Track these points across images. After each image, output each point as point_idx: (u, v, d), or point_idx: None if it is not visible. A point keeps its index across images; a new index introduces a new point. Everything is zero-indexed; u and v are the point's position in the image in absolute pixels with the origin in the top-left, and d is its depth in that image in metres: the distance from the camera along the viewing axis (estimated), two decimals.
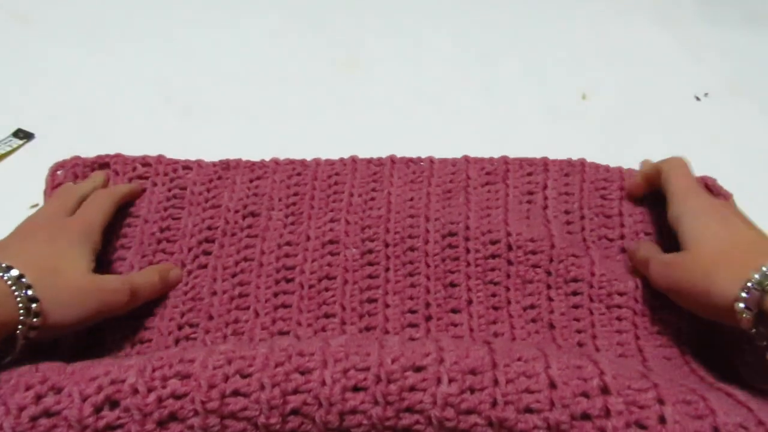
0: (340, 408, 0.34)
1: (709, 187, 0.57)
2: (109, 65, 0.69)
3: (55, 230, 0.48)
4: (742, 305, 0.40)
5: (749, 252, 0.43)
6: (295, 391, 0.34)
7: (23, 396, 0.35)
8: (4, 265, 0.41)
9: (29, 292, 0.41)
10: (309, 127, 0.64)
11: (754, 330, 0.41)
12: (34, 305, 0.41)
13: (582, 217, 0.56)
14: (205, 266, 0.52)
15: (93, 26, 0.72)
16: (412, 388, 0.34)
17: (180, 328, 0.49)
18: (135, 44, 0.71)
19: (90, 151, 0.59)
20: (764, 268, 0.40)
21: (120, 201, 0.55)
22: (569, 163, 0.59)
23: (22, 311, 0.40)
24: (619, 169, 0.59)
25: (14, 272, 0.41)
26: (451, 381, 0.35)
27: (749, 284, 0.40)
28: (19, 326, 0.40)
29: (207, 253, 0.53)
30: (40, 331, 0.41)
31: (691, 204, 0.49)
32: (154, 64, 0.69)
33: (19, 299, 0.40)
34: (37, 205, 0.57)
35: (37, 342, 0.42)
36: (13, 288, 0.40)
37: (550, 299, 0.51)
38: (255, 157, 0.59)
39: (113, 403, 0.35)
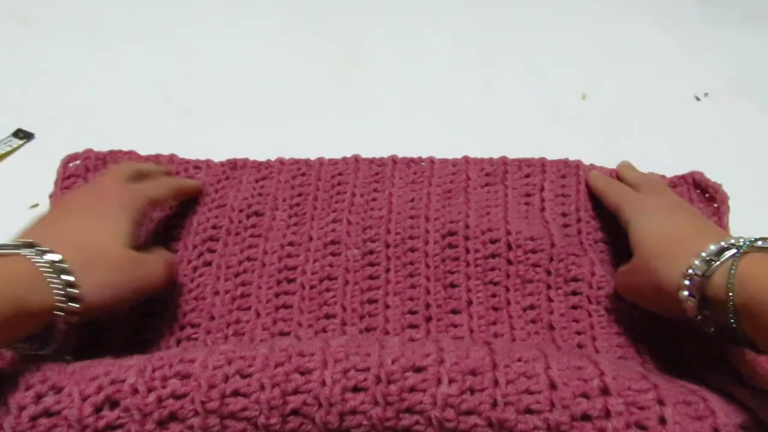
0: (340, 408, 0.34)
1: (697, 181, 0.58)
2: (109, 65, 0.69)
3: (101, 195, 0.46)
4: (685, 293, 0.41)
5: (689, 241, 0.43)
6: (295, 392, 0.34)
7: (23, 395, 0.35)
8: (40, 248, 0.39)
9: (66, 277, 0.39)
10: (309, 127, 0.64)
11: (699, 317, 0.41)
12: (71, 290, 0.39)
13: (578, 220, 0.56)
14: (209, 264, 0.53)
15: (93, 26, 0.72)
16: (412, 389, 0.34)
17: (182, 328, 0.49)
18: (135, 44, 0.71)
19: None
20: (704, 254, 0.41)
21: (183, 191, 0.55)
22: (566, 164, 0.59)
23: (58, 297, 0.38)
24: (615, 172, 0.59)
25: (51, 256, 0.39)
26: (451, 382, 0.35)
27: (690, 271, 0.41)
28: (57, 312, 0.38)
29: (212, 251, 0.54)
30: (81, 316, 0.40)
31: (632, 209, 0.51)
32: (154, 64, 0.69)
33: (54, 285, 0.38)
34: (37, 205, 0.57)
35: (80, 328, 0.41)
36: (47, 274, 0.38)
37: (550, 300, 0.51)
38: (254, 157, 0.60)
39: (113, 403, 0.35)
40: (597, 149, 0.60)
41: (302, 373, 0.35)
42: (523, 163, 0.59)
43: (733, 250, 0.40)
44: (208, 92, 0.67)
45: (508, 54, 0.71)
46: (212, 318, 0.50)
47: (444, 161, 0.59)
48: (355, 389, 0.34)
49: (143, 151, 0.60)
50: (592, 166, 0.59)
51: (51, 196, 0.57)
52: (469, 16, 0.75)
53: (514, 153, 0.60)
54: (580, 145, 0.61)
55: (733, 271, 0.38)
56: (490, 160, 0.59)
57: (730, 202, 0.56)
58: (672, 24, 0.74)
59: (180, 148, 0.60)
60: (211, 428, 0.34)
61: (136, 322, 0.49)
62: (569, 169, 0.59)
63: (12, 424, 0.34)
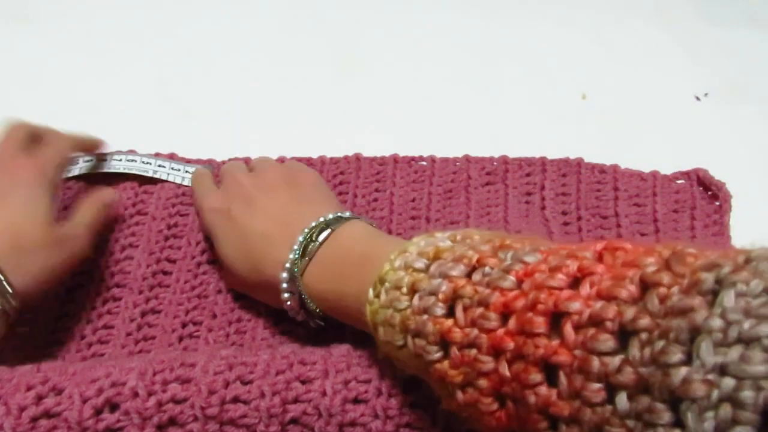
0: (339, 419, 0.34)
1: (701, 178, 0.58)
2: (109, 65, 0.69)
3: (7, 175, 0.45)
4: (293, 312, 0.44)
5: (265, 264, 0.44)
6: (296, 400, 0.34)
7: (24, 396, 0.35)
8: None
9: None
10: (309, 127, 0.64)
11: (300, 316, 0.44)
12: (5, 285, 0.39)
13: (579, 218, 0.56)
14: (213, 261, 0.53)
15: (93, 26, 0.72)
16: (413, 405, 0.35)
17: (184, 325, 0.50)
18: (135, 44, 0.71)
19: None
20: (282, 286, 0.43)
21: (78, 145, 0.54)
22: (566, 162, 0.59)
23: None
24: (614, 168, 0.59)
25: None
26: None
27: (284, 297, 0.43)
28: None
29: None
30: (15, 307, 0.40)
31: (207, 219, 0.50)
32: (154, 64, 0.69)
33: None
34: None
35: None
36: None
37: None
38: (255, 157, 0.60)
39: (113, 406, 0.35)
40: (597, 149, 0.60)
41: (303, 382, 0.35)
42: (523, 162, 0.59)
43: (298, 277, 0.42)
44: (208, 92, 0.67)
45: (508, 54, 0.71)
46: (214, 316, 0.50)
47: (445, 160, 0.60)
48: (356, 401, 0.35)
49: (143, 151, 0.60)
50: (593, 165, 0.59)
51: None
52: (469, 16, 0.74)
53: (513, 153, 0.60)
54: (580, 145, 0.60)
55: (306, 296, 0.42)
56: (491, 158, 0.60)
57: (731, 203, 0.56)
58: (672, 24, 0.73)
59: (180, 148, 0.60)
60: None
61: (139, 319, 0.49)
62: (570, 167, 0.59)
63: (12, 424, 0.34)
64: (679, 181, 0.59)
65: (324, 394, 0.34)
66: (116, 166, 0.57)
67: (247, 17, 0.74)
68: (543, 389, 0.26)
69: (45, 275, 0.42)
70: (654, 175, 0.59)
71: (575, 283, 0.27)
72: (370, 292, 0.35)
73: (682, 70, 0.70)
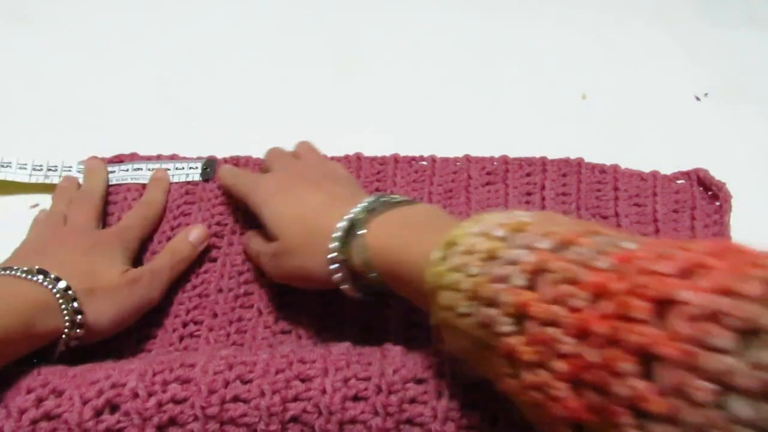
0: (339, 417, 0.34)
1: (701, 178, 0.58)
2: (109, 65, 0.69)
3: (91, 242, 0.48)
4: (338, 276, 0.42)
5: (322, 222, 0.43)
6: (295, 399, 0.34)
7: (24, 399, 0.35)
8: (53, 276, 0.41)
9: (75, 305, 0.41)
10: (309, 127, 0.63)
11: (359, 295, 0.43)
12: (78, 317, 0.41)
13: (579, 218, 0.56)
14: (214, 260, 0.53)
15: (93, 26, 0.72)
16: (413, 401, 0.35)
17: (184, 325, 0.50)
18: (135, 44, 0.71)
19: (89, 151, 0.59)
20: (335, 236, 0.41)
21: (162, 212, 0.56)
22: (567, 162, 0.59)
23: (67, 323, 0.40)
24: (614, 168, 0.59)
25: (62, 284, 0.41)
26: (452, 396, 0.35)
27: (332, 256, 0.41)
28: (63, 336, 0.41)
29: (216, 247, 0.54)
30: (80, 339, 0.42)
31: (257, 196, 0.50)
32: (154, 64, 0.69)
33: (65, 312, 0.41)
34: (37, 205, 0.57)
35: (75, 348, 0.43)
36: (61, 301, 0.41)
37: None
38: (255, 157, 0.60)
39: (113, 407, 0.35)
40: (597, 149, 0.60)
41: (303, 381, 0.35)
42: (524, 162, 0.59)
43: (357, 227, 0.40)
44: (208, 92, 0.67)
45: (508, 54, 0.71)
46: (215, 315, 0.50)
47: (445, 160, 0.60)
48: (356, 398, 0.35)
49: (144, 152, 0.60)
50: (593, 165, 0.59)
51: (53, 197, 0.57)
52: (469, 15, 0.74)
53: (513, 153, 0.60)
54: (580, 144, 0.60)
55: (362, 246, 0.40)
56: (491, 158, 0.59)
57: (731, 203, 0.56)
58: (672, 24, 0.73)
59: (181, 148, 0.60)
60: None
61: (139, 319, 0.49)
62: (570, 167, 0.59)
63: (12, 427, 0.34)
64: (679, 181, 0.59)
65: (324, 392, 0.34)
66: (123, 176, 0.58)
67: (247, 17, 0.74)
68: (635, 381, 0.23)
69: (111, 317, 0.44)
70: (654, 175, 0.59)
71: (686, 273, 0.24)
72: (436, 253, 0.33)
73: (682, 70, 0.70)
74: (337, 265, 0.41)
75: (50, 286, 0.41)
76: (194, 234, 0.52)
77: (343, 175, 0.52)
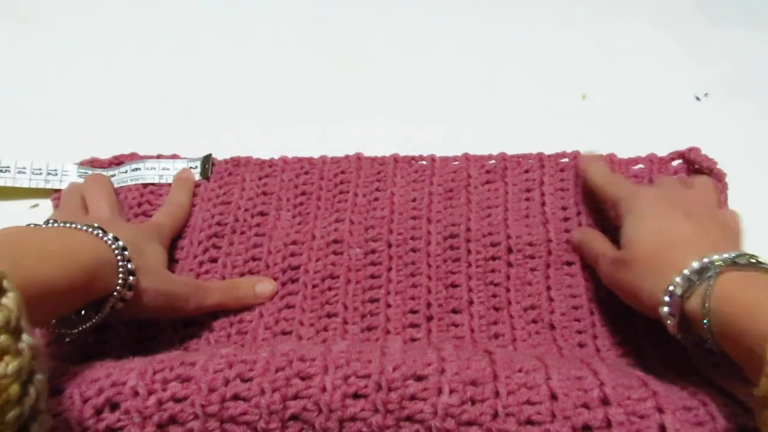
0: (339, 415, 0.34)
1: (691, 159, 0.57)
2: (109, 66, 0.69)
3: (134, 227, 0.50)
4: (666, 309, 0.40)
5: (677, 253, 0.42)
6: (296, 397, 0.34)
7: None
8: (112, 235, 0.42)
9: (130, 266, 0.42)
10: (309, 127, 0.64)
11: (679, 335, 0.40)
12: (131, 278, 0.42)
13: (578, 213, 0.56)
14: (215, 260, 0.53)
15: (93, 26, 0.72)
16: (413, 397, 0.34)
17: (185, 326, 0.50)
18: (135, 44, 0.71)
19: (89, 151, 0.59)
20: (686, 272, 0.39)
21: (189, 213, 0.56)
22: (564, 156, 0.59)
23: (120, 281, 0.41)
24: (611, 158, 0.59)
25: (120, 243, 0.42)
26: (452, 392, 0.35)
27: (671, 288, 0.40)
28: (114, 293, 0.41)
29: (217, 247, 0.54)
30: (125, 305, 0.42)
31: (629, 204, 0.48)
32: (154, 64, 0.69)
33: (121, 270, 0.41)
34: (37, 205, 0.57)
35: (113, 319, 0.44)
36: (119, 258, 0.41)
37: (551, 299, 0.51)
38: (256, 157, 0.60)
39: (114, 406, 0.35)
40: (597, 149, 0.60)
41: (303, 378, 0.35)
42: (522, 159, 0.59)
43: (712, 271, 0.38)
44: (208, 92, 0.67)
45: (508, 53, 0.71)
46: (216, 316, 0.50)
47: (444, 159, 0.60)
48: (356, 396, 0.34)
49: (144, 152, 0.60)
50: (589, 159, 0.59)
51: (52, 198, 0.57)
52: (469, 15, 0.75)
53: (513, 152, 0.60)
54: (580, 144, 0.60)
55: (708, 292, 0.37)
56: (490, 156, 0.60)
57: (731, 202, 0.56)
58: (672, 24, 0.73)
59: (181, 148, 0.60)
60: None
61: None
62: (567, 162, 0.59)
63: None
64: (675, 162, 0.59)
65: (324, 389, 0.34)
66: (123, 179, 0.58)
67: (247, 17, 0.74)
68: None
69: (152, 294, 0.45)
70: (650, 159, 0.59)
71: None
72: None
73: (682, 70, 0.70)
74: (668, 298, 0.40)
75: (110, 243, 0.41)
76: (262, 287, 0.52)
77: (727, 224, 0.48)
